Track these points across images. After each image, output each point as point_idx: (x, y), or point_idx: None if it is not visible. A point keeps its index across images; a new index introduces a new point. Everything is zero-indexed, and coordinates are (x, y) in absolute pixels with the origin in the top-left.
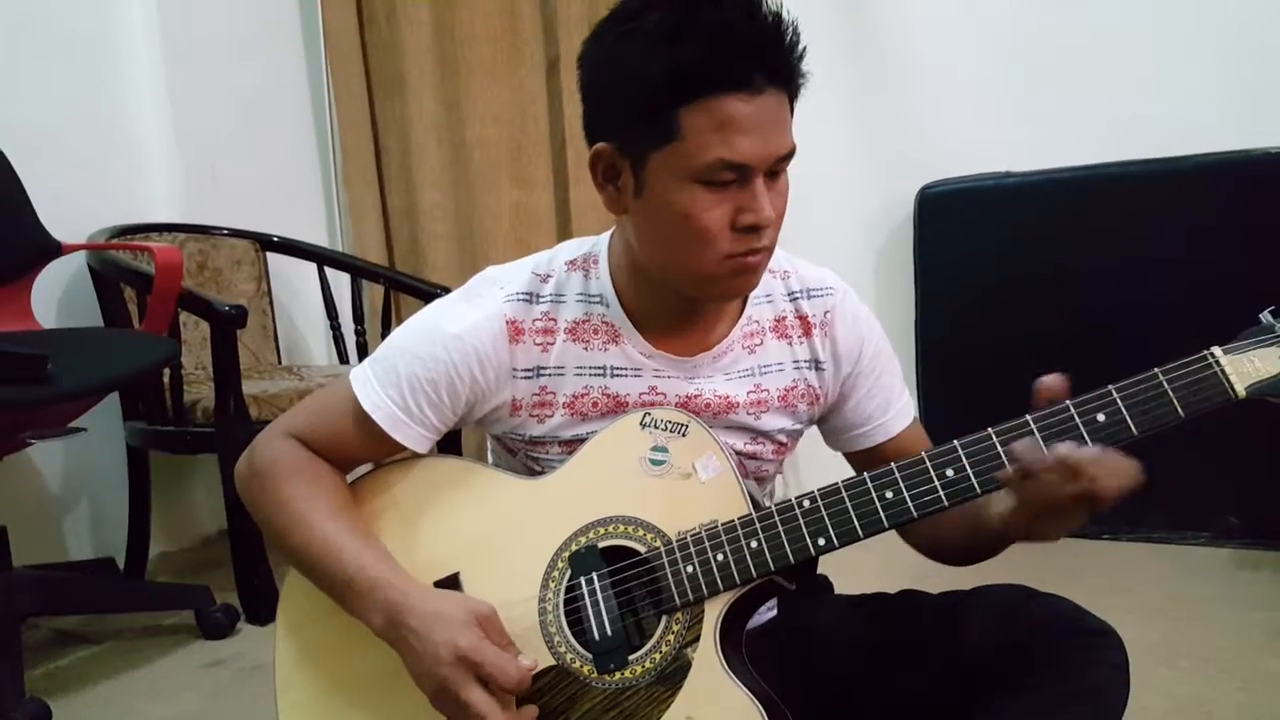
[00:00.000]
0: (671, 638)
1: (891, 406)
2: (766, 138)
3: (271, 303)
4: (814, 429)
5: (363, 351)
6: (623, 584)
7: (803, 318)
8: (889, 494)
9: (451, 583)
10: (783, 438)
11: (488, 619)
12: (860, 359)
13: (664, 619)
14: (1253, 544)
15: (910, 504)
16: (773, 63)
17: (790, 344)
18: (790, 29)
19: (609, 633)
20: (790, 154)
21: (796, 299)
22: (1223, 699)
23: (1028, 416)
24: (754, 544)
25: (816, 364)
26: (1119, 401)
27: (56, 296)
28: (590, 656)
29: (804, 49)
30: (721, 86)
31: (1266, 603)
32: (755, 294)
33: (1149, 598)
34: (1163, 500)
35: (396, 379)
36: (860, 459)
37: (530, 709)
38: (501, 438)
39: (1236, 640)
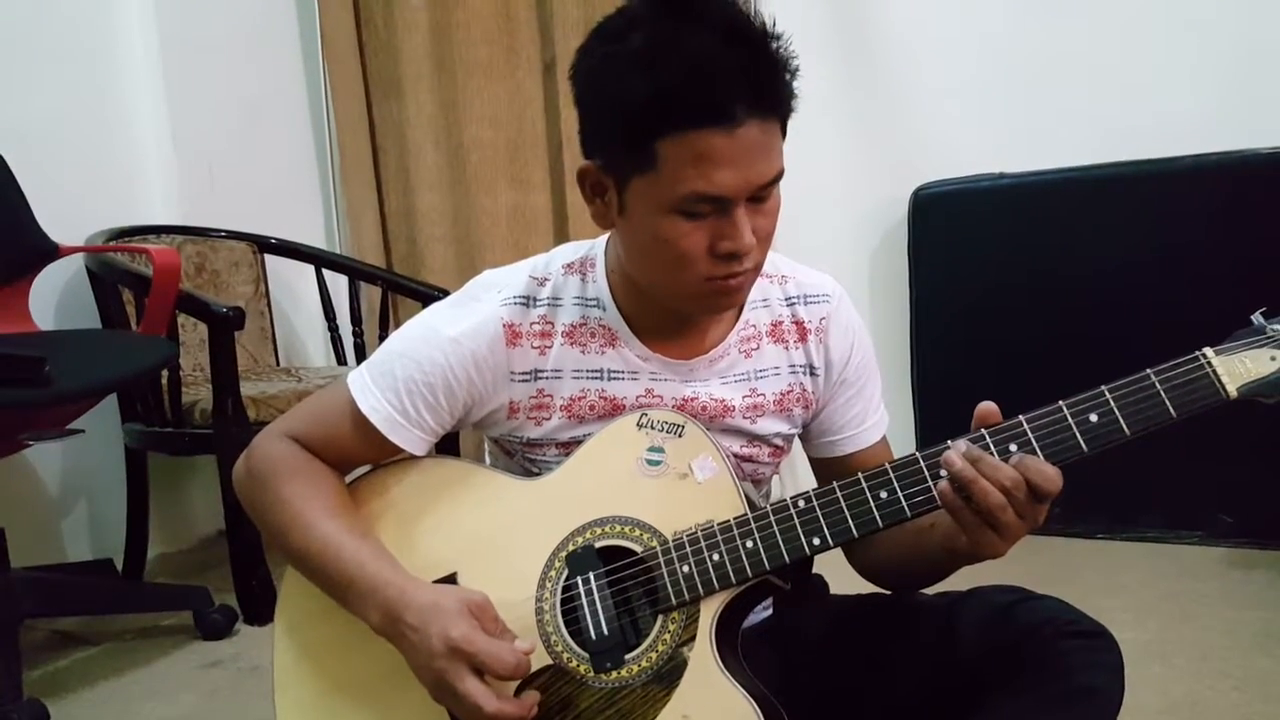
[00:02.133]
0: (668, 637)
1: (867, 419)
2: (746, 169)
3: (269, 304)
4: None
5: (360, 353)
6: (619, 584)
7: (799, 323)
8: (883, 494)
9: (449, 583)
10: (779, 441)
11: (481, 607)
12: (847, 367)
13: (660, 618)
14: (1246, 543)
15: (904, 504)
16: (755, 93)
17: (786, 349)
18: (777, 53)
19: (605, 632)
20: (776, 178)
21: (793, 304)
22: (1217, 698)
23: (1021, 418)
24: (749, 544)
25: (811, 369)
26: (1111, 402)
27: (54, 299)
28: (587, 656)
29: (795, 69)
30: (699, 120)
31: (1260, 601)
32: (752, 298)
33: (1143, 597)
34: (1156, 500)
35: (394, 382)
36: (824, 467)
37: (531, 694)
38: (499, 440)
39: (1230, 639)
